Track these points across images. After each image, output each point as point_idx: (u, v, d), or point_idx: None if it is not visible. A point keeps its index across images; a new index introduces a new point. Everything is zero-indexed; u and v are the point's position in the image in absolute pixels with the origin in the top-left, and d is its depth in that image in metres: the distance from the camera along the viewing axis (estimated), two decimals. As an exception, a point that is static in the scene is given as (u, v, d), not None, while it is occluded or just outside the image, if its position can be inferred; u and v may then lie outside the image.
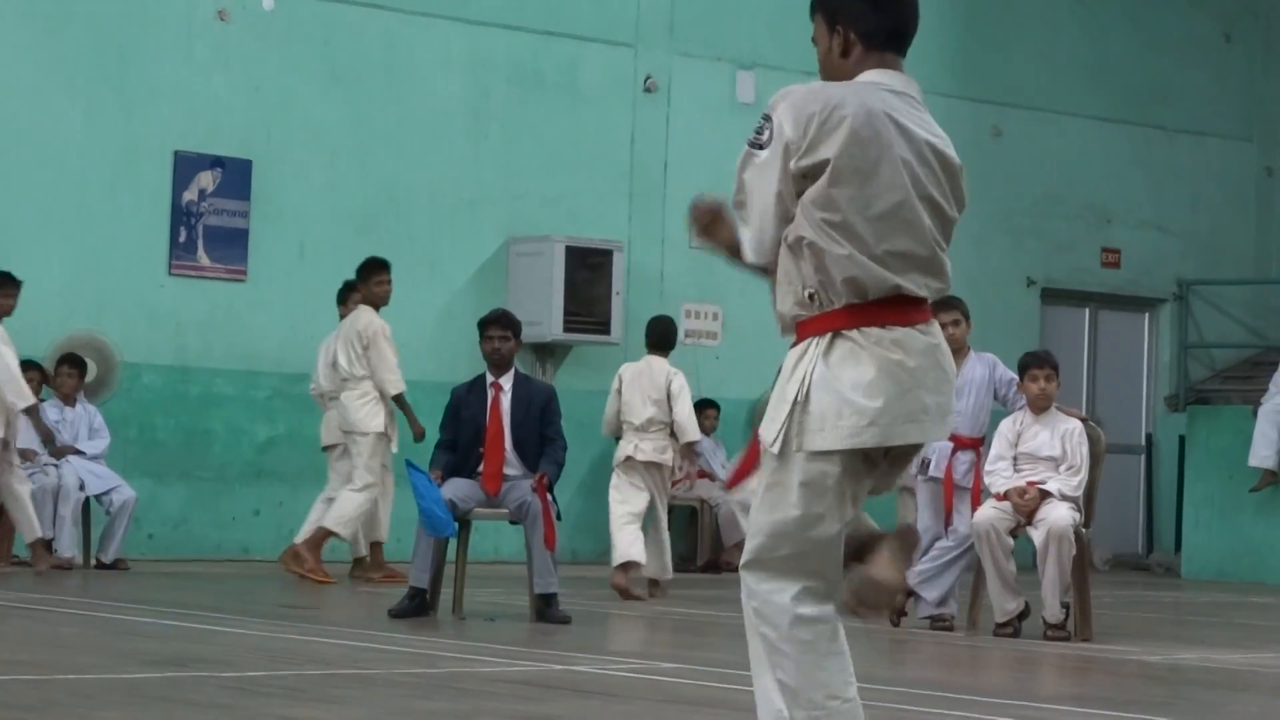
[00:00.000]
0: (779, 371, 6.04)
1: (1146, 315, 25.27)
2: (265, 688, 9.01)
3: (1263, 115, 25.91)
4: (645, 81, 21.42)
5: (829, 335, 5.92)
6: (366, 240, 19.85)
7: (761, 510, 6.01)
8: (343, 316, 17.39)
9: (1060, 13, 24.30)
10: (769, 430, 5.97)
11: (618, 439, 16.97)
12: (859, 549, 6.06)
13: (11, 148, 18.33)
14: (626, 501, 16.58)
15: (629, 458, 16.63)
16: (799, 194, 5.89)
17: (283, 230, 19.57)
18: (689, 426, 16.31)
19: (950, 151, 6.08)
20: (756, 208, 5.92)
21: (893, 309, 5.93)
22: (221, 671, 9.61)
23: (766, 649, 6.02)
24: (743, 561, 6.04)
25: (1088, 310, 24.88)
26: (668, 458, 16.55)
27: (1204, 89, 25.37)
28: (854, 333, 5.91)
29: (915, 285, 5.95)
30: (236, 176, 19.36)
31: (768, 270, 5.99)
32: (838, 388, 5.88)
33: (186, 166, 19.14)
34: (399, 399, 16.75)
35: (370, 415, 16.71)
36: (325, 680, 9.42)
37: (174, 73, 19.08)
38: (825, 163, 5.86)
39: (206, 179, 19.23)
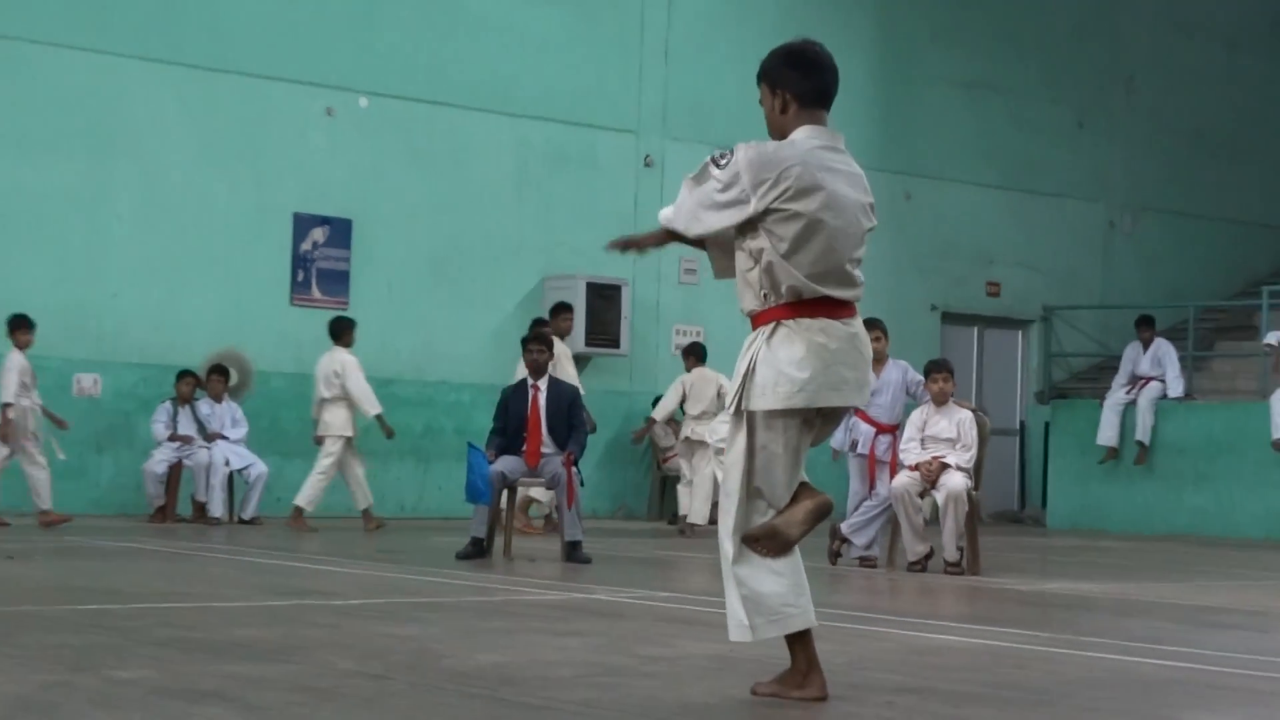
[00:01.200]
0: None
1: (1020, 332, 25.28)
2: (364, 612, 9.02)
3: (1107, 183, 25.93)
4: (645, 159, 21.44)
5: (773, 324, 6.01)
6: (438, 280, 19.91)
7: (728, 458, 6.09)
8: None
9: (955, 105, 24.32)
10: (727, 396, 6.10)
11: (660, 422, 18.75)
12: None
13: (173, 211, 18.37)
14: (687, 474, 17.98)
15: (687, 438, 17.99)
16: (756, 223, 5.98)
17: (375, 272, 19.58)
18: None
19: (861, 190, 6.14)
20: (696, 203, 6.07)
21: (821, 306, 6.02)
22: (331, 600, 9.62)
23: (730, 569, 6.07)
24: (720, 505, 6.14)
25: (976, 329, 24.88)
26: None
27: (1062, 163, 25.39)
28: (791, 322, 6.00)
29: (837, 292, 6.03)
30: (340, 232, 19.37)
31: (688, 240, 6.18)
32: (776, 364, 5.98)
33: (303, 225, 19.16)
34: None
35: None
36: (409, 606, 9.43)
37: (294, 154, 19.11)
38: (779, 210, 5.94)
39: (318, 234, 19.24)
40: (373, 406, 16.79)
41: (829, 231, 5.96)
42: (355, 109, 19.47)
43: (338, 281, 19.33)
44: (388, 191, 19.68)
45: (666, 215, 6.20)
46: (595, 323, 20.37)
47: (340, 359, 16.76)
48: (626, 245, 6.35)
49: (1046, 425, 23.51)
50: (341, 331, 16.96)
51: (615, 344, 20.58)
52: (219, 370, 17.78)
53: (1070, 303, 25.05)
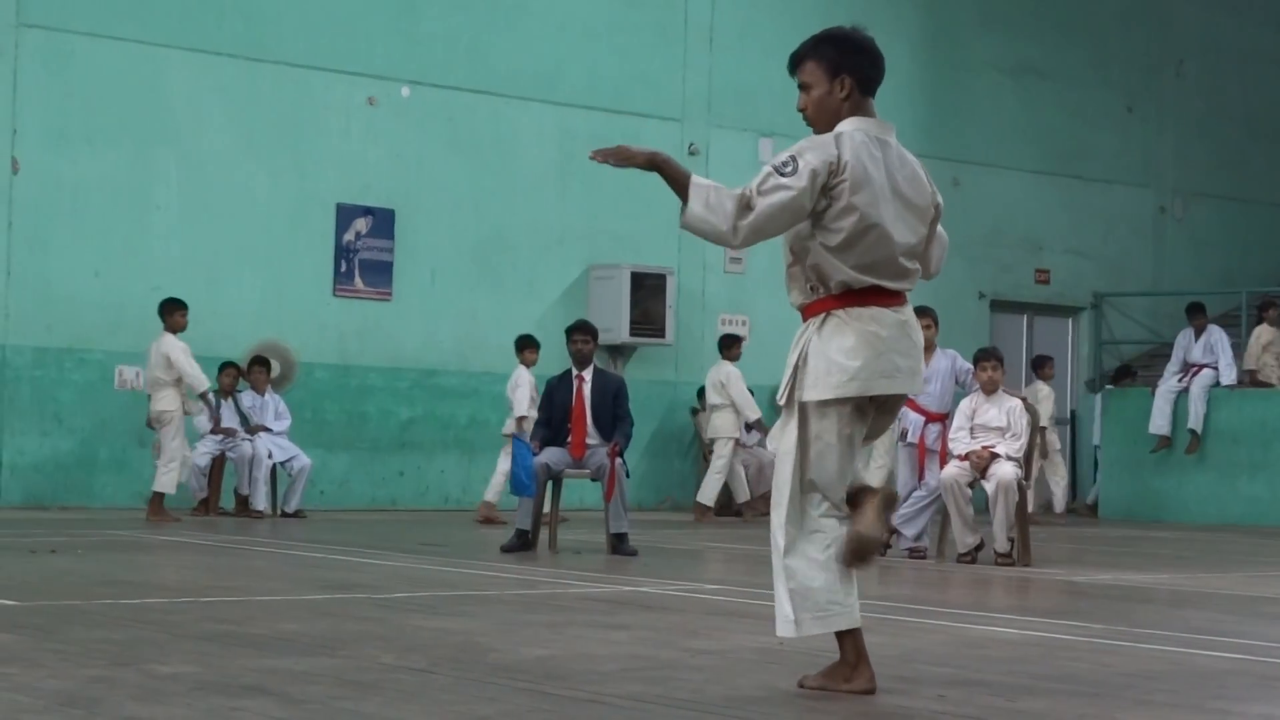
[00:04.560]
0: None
1: (1070, 320, 25.18)
2: (408, 605, 9.02)
3: (1156, 168, 25.80)
4: (690, 147, 21.40)
5: (824, 315, 6.00)
6: (481, 270, 19.91)
7: (779, 449, 6.07)
8: None
9: (1003, 91, 24.22)
10: (780, 389, 6.08)
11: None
12: (851, 497, 6.06)
13: (217, 202, 18.41)
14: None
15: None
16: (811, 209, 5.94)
17: (418, 262, 19.60)
18: None
19: (918, 187, 6.08)
20: (770, 209, 5.85)
21: (871, 295, 6.02)
22: (375, 594, 9.63)
23: (781, 562, 6.05)
24: (772, 498, 6.11)
25: (1025, 316, 24.80)
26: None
27: (1111, 148, 25.27)
28: (841, 311, 6.00)
29: (888, 283, 6.02)
30: (383, 222, 19.39)
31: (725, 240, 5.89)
32: (827, 353, 5.97)
33: (346, 215, 19.18)
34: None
35: None
36: (453, 599, 9.43)
37: (336, 144, 19.13)
38: (830, 205, 5.91)
39: (361, 224, 19.27)
40: (753, 412, 19.00)
41: (879, 231, 5.95)
42: (397, 98, 19.48)
43: (381, 272, 19.36)
44: (431, 181, 19.69)
45: (706, 217, 5.88)
46: (640, 312, 20.36)
47: (726, 371, 18.94)
48: (622, 159, 5.97)
49: (1098, 414, 23.39)
50: (730, 344, 19.15)
51: (660, 334, 20.57)
52: (261, 362, 17.82)
53: (1121, 289, 24.95)
